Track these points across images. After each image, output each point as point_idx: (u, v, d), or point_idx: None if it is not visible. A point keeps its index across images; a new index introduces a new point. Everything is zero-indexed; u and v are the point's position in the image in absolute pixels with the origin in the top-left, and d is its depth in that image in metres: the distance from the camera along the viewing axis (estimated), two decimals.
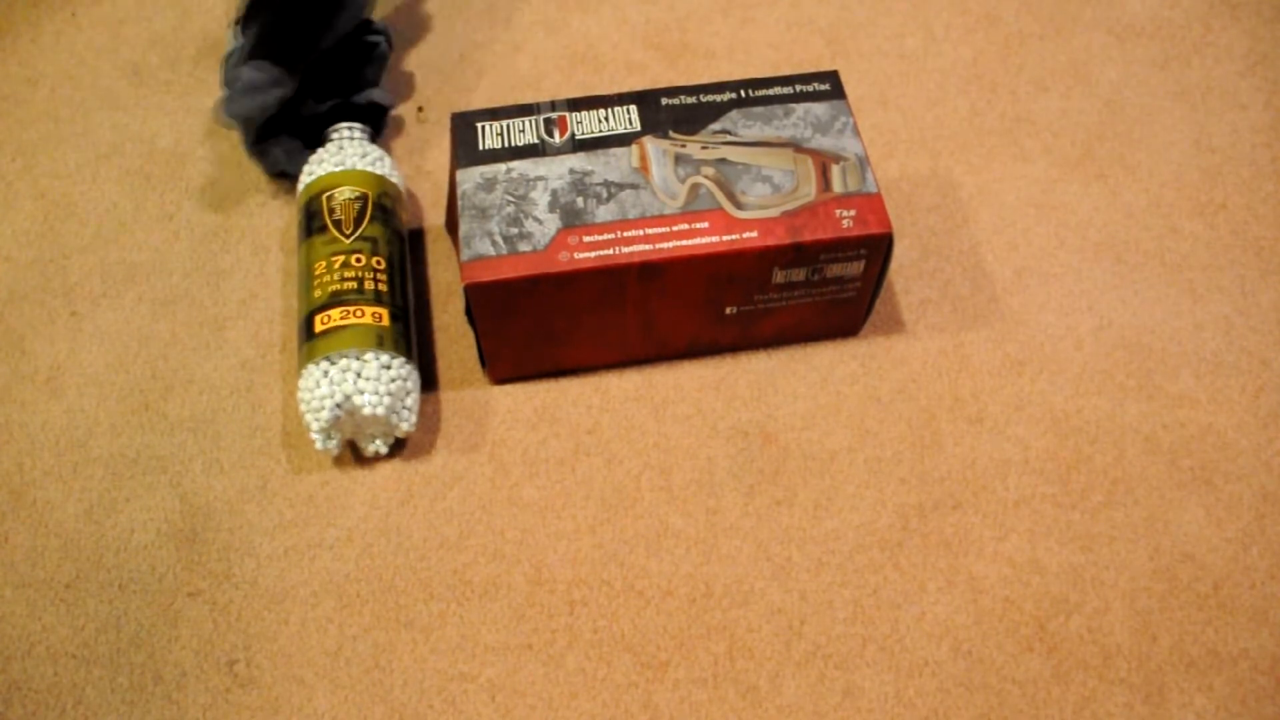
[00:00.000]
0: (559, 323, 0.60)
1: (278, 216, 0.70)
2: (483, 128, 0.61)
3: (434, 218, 0.71)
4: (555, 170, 0.60)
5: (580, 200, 0.59)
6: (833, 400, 0.64)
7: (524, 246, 0.57)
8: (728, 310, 0.62)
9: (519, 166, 0.60)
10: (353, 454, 0.62)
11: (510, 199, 0.58)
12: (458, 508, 0.60)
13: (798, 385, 0.64)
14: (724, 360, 0.65)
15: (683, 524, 0.60)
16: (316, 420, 0.58)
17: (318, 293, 0.60)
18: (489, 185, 0.59)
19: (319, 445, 0.59)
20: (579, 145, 0.61)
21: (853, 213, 0.59)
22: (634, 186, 0.59)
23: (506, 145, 0.61)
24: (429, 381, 0.64)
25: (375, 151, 0.66)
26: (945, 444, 0.62)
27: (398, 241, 0.64)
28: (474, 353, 0.65)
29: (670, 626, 0.57)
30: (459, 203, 0.59)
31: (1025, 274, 0.68)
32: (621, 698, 0.55)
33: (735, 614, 0.57)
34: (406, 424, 0.60)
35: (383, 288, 0.61)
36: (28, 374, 0.65)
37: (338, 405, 0.57)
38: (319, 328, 0.59)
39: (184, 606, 0.57)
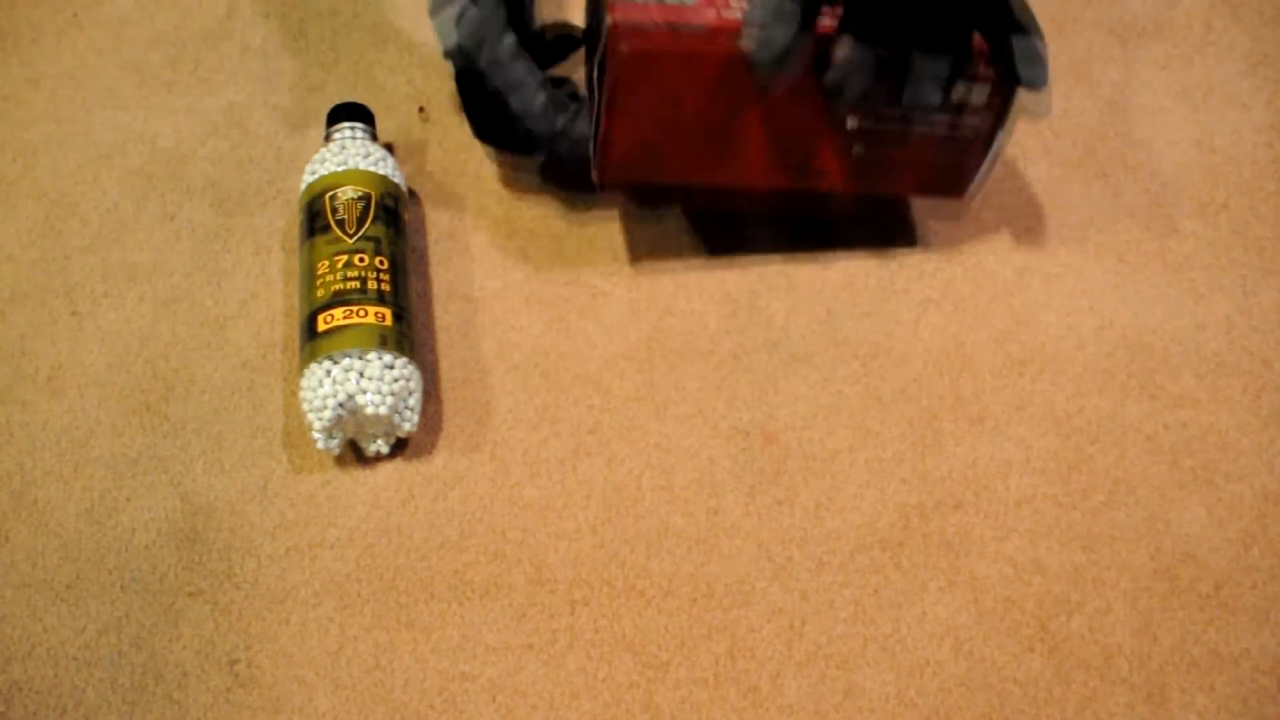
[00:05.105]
0: (692, 103, 0.58)
1: (279, 216, 0.70)
2: None
3: (437, 217, 0.71)
4: None
5: None
6: (833, 400, 0.64)
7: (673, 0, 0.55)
8: (849, 123, 0.60)
9: None
10: (354, 454, 0.62)
11: None
12: (459, 508, 0.60)
13: (798, 385, 0.64)
14: (724, 360, 0.65)
15: (684, 524, 0.60)
16: (319, 420, 0.58)
17: (320, 292, 0.60)
18: None
19: (320, 445, 0.59)
20: None
21: None
22: None
23: None
24: (430, 381, 0.64)
25: (378, 151, 0.66)
26: (946, 444, 0.62)
27: (400, 241, 0.64)
28: (475, 354, 0.65)
29: (671, 626, 0.57)
30: None
31: (1026, 274, 0.68)
32: (622, 698, 0.55)
33: (736, 614, 0.57)
34: (409, 424, 0.60)
35: (385, 288, 0.61)
36: (29, 374, 0.65)
37: (340, 405, 0.57)
38: (322, 327, 0.59)
39: (185, 607, 0.57)
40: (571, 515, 0.60)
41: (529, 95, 0.61)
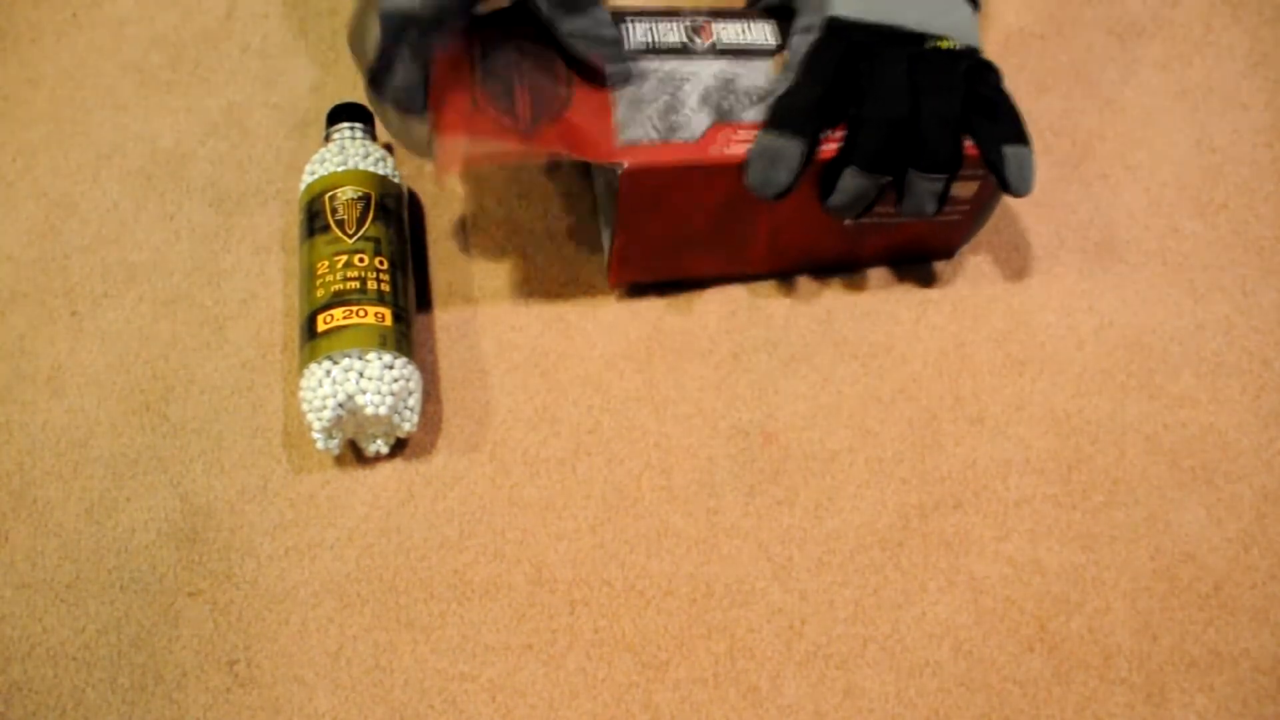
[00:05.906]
0: (698, 221, 0.61)
1: (278, 216, 0.71)
2: (631, 25, 0.62)
3: (436, 217, 0.71)
4: (704, 70, 0.61)
5: (729, 101, 0.60)
6: (833, 400, 0.64)
7: (680, 136, 0.58)
8: (847, 221, 0.62)
9: (670, 64, 0.61)
10: (354, 454, 0.62)
11: (664, 93, 0.59)
12: (458, 508, 0.60)
13: (798, 385, 0.64)
14: (724, 360, 0.65)
15: (683, 524, 0.60)
16: (318, 420, 0.58)
17: (320, 292, 0.60)
18: (641, 78, 0.60)
19: (320, 445, 0.59)
20: (723, 52, 0.62)
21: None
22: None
23: (654, 43, 0.61)
24: (430, 381, 0.64)
25: (377, 151, 0.66)
26: (946, 444, 0.62)
27: (400, 242, 0.64)
28: (475, 354, 0.65)
29: (671, 626, 0.57)
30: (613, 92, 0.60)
31: (1025, 273, 0.69)
32: (622, 698, 0.55)
33: (736, 614, 0.57)
34: (408, 424, 0.60)
35: (385, 288, 0.61)
36: (28, 374, 0.65)
37: (340, 405, 0.57)
38: (321, 327, 0.59)
39: (184, 607, 0.57)
40: (571, 515, 0.60)
41: (405, 74, 0.55)
